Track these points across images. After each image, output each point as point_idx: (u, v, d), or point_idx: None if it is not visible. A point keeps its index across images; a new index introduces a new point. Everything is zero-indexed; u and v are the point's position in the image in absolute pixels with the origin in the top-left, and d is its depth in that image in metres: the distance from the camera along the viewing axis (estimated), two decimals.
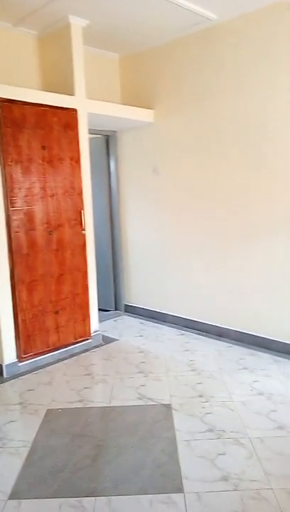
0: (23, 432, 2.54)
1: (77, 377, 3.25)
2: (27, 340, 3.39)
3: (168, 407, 2.76)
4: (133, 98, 4.36)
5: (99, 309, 4.50)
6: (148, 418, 2.64)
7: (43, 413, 2.74)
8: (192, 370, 3.29)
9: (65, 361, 3.56)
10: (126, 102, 4.39)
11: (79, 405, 2.82)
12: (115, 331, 4.29)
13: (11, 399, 2.95)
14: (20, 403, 2.88)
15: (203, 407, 2.74)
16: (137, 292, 4.80)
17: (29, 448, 2.36)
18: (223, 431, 2.48)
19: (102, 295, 4.84)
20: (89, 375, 3.29)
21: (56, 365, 3.50)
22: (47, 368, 3.43)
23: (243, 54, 3.47)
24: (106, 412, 2.74)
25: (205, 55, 3.73)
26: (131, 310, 4.88)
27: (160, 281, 4.51)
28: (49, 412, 2.75)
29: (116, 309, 5.04)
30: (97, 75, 4.24)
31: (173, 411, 2.71)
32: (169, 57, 4.00)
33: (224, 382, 3.10)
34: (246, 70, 3.47)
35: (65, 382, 3.16)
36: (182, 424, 2.55)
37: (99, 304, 4.01)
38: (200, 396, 2.88)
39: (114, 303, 5.04)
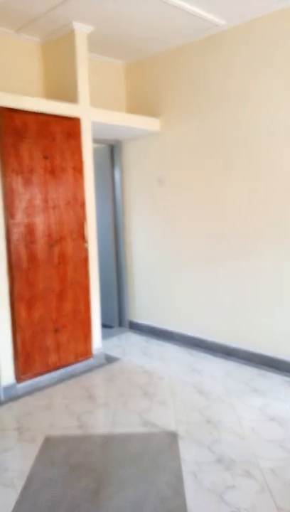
0: (19, 462, 2.35)
1: (78, 400, 3.06)
2: (26, 360, 3.22)
3: (173, 434, 2.57)
4: (139, 106, 4.25)
5: (103, 325, 4.35)
6: (152, 447, 2.45)
7: (40, 440, 2.55)
8: (199, 393, 3.10)
9: (65, 382, 3.38)
10: (131, 111, 4.28)
11: (79, 432, 2.64)
12: (118, 350, 4.11)
13: (8, 424, 2.77)
14: (17, 429, 2.70)
15: (211, 434, 2.55)
16: (142, 308, 4.63)
17: (25, 479, 2.18)
18: (232, 461, 2.29)
19: (106, 311, 4.68)
20: (90, 397, 3.11)
21: (56, 386, 3.32)
22: (47, 390, 3.25)
23: (251, 61, 3.35)
24: (108, 440, 2.55)
25: (212, 62, 3.61)
26: (136, 327, 4.70)
27: (165, 296, 4.34)
28: (47, 439, 2.57)
29: (120, 326, 4.86)
30: (102, 82, 4.14)
31: (179, 439, 2.52)
32: (175, 64, 3.90)
33: (233, 405, 2.90)
34: (255, 78, 3.35)
35: (65, 406, 2.98)
36: (188, 454, 2.36)
37: (102, 320, 3.84)
38: (208, 421, 2.69)
39: (117, 319, 4.86)
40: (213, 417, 2.74)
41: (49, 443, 2.52)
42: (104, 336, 4.35)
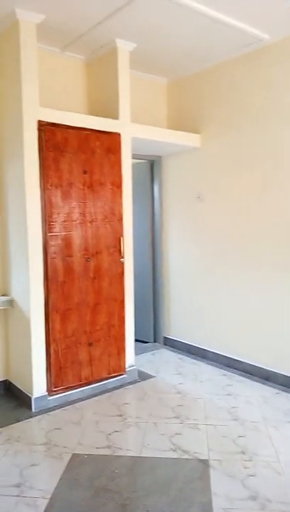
0: (44, 480, 2.31)
1: (108, 418, 3.00)
2: (58, 373, 3.21)
3: (205, 463, 2.44)
4: (180, 123, 4.22)
5: (137, 340, 4.28)
6: (181, 475, 2.33)
7: (67, 458, 2.51)
8: (234, 420, 2.95)
9: (96, 397, 3.34)
10: (172, 127, 4.26)
11: (107, 452, 2.57)
12: (152, 367, 4.02)
13: (36, 438, 2.76)
14: (45, 443, 2.67)
15: (245, 467, 2.39)
16: (177, 325, 4.53)
17: (48, 500, 2.13)
18: (268, 500, 2.12)
19: (141, 326, 4.63)
20: (120, 416, 3.04)
21: (87, 401, 3.28)
22: (78, 404, 3.22)
23: None
24: (136, 463, 2.46)
25: (254, 78, 3.52)
26: (170, 343, 4.60)
27: (201, 313, 4.22)
28: (74, 457, 2.52)
29: (154, 341, 4.78)
30: (145, 99, 4.16)
31: (211, 469, 2.38)
32: (217, 80, 3.84)
33: (270, 436, 2.72)
34: None
35: (95, 423, 2.93)
36: (220, 487, 2.22)
37: (137, 335, 3.78)
38: (242, 452, 2.54)
39: (152, 334, 4.79)
40: (248, 448, 2.58)
41: (75, 461, 2.47)
42: (138, 351, 4.29)
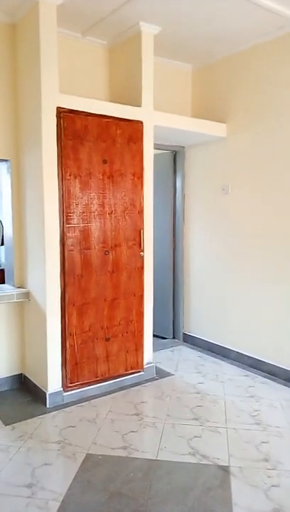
0: (57, 481, 2.23)
1: (124, 417, 2.90)
2: (74, 369, 3.12)
3: (225, 470, 2.30)
4: (205, 111, 4.04)
5: (156, 336, 4.16)
6: (200, 482, 2.20)
7: (81, 458, 2.41)
8: (257, 424, 2.79)
9: (113, 395, 3.24)
10: (196, 116, 4.08)
11: (123, 453, 2.46)
12: (170, 364, 3.90)
13: (50, 435, 2.68)
14: (58, 442, 2.59)
15: (269, 477, 2.25)
16: (197, 321, 4.38)
17: (60, 503, 2.04)
18: None
19: (160, 321, 4.51)
20: (137, 415, 2.93)
21: (103, 398, 3.19)
22: (93, 401, 3.13)
23: None
24: (152, 467, 2.34)
25: (286, 64, 3.30)
26: (190, 340, 4.46)
27: (223, 311, 4.05)
28: (88, 457, 2.43)
29: (173, 337, 4.65)
30: (168, 87, 3.99)
31: (232, 477, 2.24)
32: (246, 66, 3.63)
33: None
34: None
35: (110, 422, 2.83)
36: (241, 497, 2.08)
37: (155, 331, 3.66)
38: (265, 460, 2.39)
39: (171, 330, 4.66)
40: (272, 456, 2.43)
41: (90, 462, 2.38)
42: (156, 348, 4.18)
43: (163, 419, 2.86)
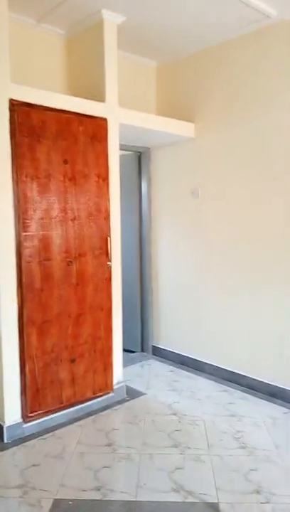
0: None
1: (95, 449, 2.56)
2: (35, 396, 2.74)
3: (215, 507, 2.03)
4: (171, 110, 3.81)
5: (124, 349, 3.84)
6: None
7: (48, 506, 2.05)
8: (242, 448, 2.55)
9: (80, 422, 2.89)
10: (161, 115, 3.84)
11: (97, 496, 2.12)
12: (141, 381, 3.59)
13: (10, 478, 2.28)
14: (20, 486, 2.21)
15: None
16: (168, 333, 4.12)
17: None
18: None
19: (127, 334, 4.17)
20: (109, 446, 2.60)
21: (70, 427, 2.83)
22: (59, 432, 2.76)
23: None
24: (132, 510, 2.02)
25: (258, 61, 3.14)
26: (160, 353, 4.18)
27: (196, 321, 3.81)
28: (56, 504, 2.07)
29: (142, 351, 4.35)
30: (130, 83, 3.73)
31: None
32: (216, 63, 3.45)
33: (287, 469, 2.34)
34: None
35: (80, 456, 2.48)
36: None
37: (123, 344, 3.35)
38: (257, 492, 2.14)
39: (140, 343, 4.36)
40: (263, 486, 2.18)
41: (58, 510, 2.02)
42: (125, 363, 3.83)
43: (139, 449, 2.55)
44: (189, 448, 2.55)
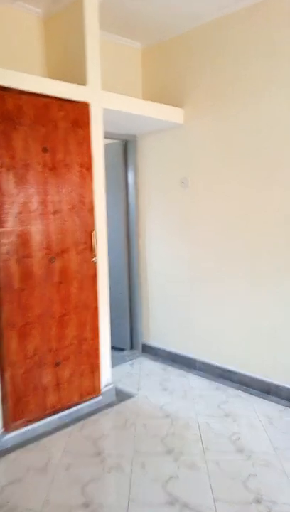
0: None
1: (82, 459, 2.39)
2: (17, 404, 2.55)
3: None
4: (158, 95, 3.61)
5: (112, 347, 3.69)
6: None
7: None
8: (239, 452, 2.41)
9: (67, 429, 2.71)
10: (148, 100, 3.64)
11: None
12: (131, 381, 3.43)
13: None
14: (0, 506, 2.02)
15: None
16: (158, 330, 3.96)
17: None
18: None
19: (116, 331, 4.03)
20: (98, 455, 2.43)
21: (55, 435, 2.65)
22: (44, 441, 2.58)
23: None
24: None
25: (251, 40, 2.96)
26: (150, 351, 4.02)
27: (186, 317, 3.66)
28: None
29: (131, 348, 4.19)
30: (115, 67, 3.52)
31: None
32: (204, 44, 3.25)
33: (287, 473, 2.21)
34: None
35: (66, 468, 2.31)
36: None
37: (111, 342, 3.20)
38: (257, 501, 2.00)
39: (129, 341, 4.19)
40: (263, 494, 2.05)
41: None
42: (114, 362, 3.69)
43: (130, 457, 2.39)
44: (183, 454, 2.40)
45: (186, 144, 3.47)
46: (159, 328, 3.94)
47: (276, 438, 2.54)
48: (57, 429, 2.71)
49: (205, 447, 2.46)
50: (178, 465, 2.30)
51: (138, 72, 3.75)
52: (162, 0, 2.88)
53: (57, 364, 2.72)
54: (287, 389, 2.97)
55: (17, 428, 2.56)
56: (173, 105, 3.42)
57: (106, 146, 3.84)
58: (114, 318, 3.93)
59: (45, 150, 2.57)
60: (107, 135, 3.62)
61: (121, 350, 4.19)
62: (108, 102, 2.90)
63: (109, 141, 3.84)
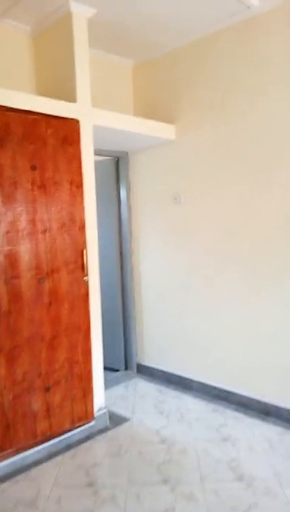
0: None
1: (74, 491, 2.26)
2: (5, 432, 2.43)
3: None
4: (149, 112, 3.58)
5: (106, 368, 3.58)
6: None
7: None
8: (239, 479, 2.29)
9: (58, 458, 2.58)
10: (140, 117, 3.62)
11: None
12: (126, 404, 3.31)
13: None
14: None
15: None
16: (153, 350, 3.85)
17: None
18: None
19: (110, 351, 3.91)
20: (90, 486, 2.30)
21: (46, 464, 2.52)
22: (33, 471, 2.45)
23: None
24: None
25: (241, 56, 2.95)
26: (146, 371, 3.91)
27: (182, 337, 3.56)
28: None
29: (126, 369, 4.07)
30: (106, 84, 3.49)
31: None
32: (195, 60, 3.24)
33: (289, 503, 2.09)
34: None
35: (57, 501, 2.18)
36: None
37: (105, 363, 3.09)
38: None
39: (123, 361, 4.07)
40: None
41: None
42: (108, 384, 3.58)
43: (125, 488, 2.26)
44: (180, 483, 2.28)
45: (178, 160, 3.43)
46: (154, 347, 3.84)
47: (276, 463, 2.42)
48: (48, 457, 2.59)
49: (203, 475, 2.34)
50: (175, 496, 2.18)
51: (130, 89, 3.73)
52: (151, 17, 2.88)
53: (47, 389, 2.61)
54: (286, 410, 2.87)
55: (5, 458, 2.43)
56: (164, 121, 3.40)
57: (98, 163, 3.80)
58: (108, 337, 3.83)
59: (33, 167, 2.51)
60: (99, 152, 3.58)
61: (116, 370, 4.07)
62: (98, 119, 2.86)
63: (100, 158, 3.80)
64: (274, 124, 2.82)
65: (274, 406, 2.94)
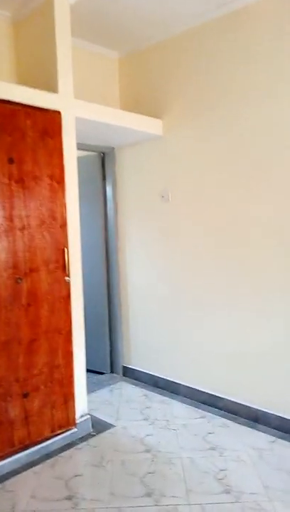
0: None
1: (52, 505, 2.12)
2: None
3: None
4: (136, 106, 3.45)
5: (90, 371, 3.45)
6: None
7: None
8: (226, 492, 2.17)
9: (36, 468, 2.44)
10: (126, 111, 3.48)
11: None
12: (110, 410, 3.17)
13: None
14: None
15: None
16: (139, 352, 3.72)
17: None
18: None
19: (95, 353, 3.79)
20: (70, 499, 2.16)
21: (23, 474, 2.38)
22: (9, 482, 2.31)
23: (283, 44, 2.57)
24: None
25: (230, 48, 2.83)
26: (131, 374, 3.78)
27: (169, 339, 3.44)
28: None
29: (112, 372, 3.94)
30: (90, 76, 3.36)
31: None
32: (183, 52, 3.12)
33: None
34: (287, 65, 2.56)
35: None
36: None
37: (90, 365, 2.97)
38: None
39: (109, 364, 3.95)
40: None
41: None
42: (92, 388, 3.46)
43: (106, 502, 2.13)
44: (164, 496, 2.15)
45: (166, 156, 3.31)
46: (141, 349, 3.71)
47: (265, 475, 2.31)
48: (26, 467, 2.44)
49: (188, 488, 2.22)
50: (159, 510, 2.05)
51: (116, 82, 3.60)
52: (136, 6, 2.75)
53: (25, 395, 2.46)
54: (277, 417, 2.76)
55: None
56: (151, 116, 3.26)
57: (83, 158, 3.66)
58: (93, 339, 3.70)
59: (11, 161, 2.36)
60: (84, 147, 3.45)
61: (101, 373, 3.94)
62: (81, 111, 2.72)
63: (85, 153, 3.66)
64: (264, 118, 2.70)
65: (263, 412, 2.83)
